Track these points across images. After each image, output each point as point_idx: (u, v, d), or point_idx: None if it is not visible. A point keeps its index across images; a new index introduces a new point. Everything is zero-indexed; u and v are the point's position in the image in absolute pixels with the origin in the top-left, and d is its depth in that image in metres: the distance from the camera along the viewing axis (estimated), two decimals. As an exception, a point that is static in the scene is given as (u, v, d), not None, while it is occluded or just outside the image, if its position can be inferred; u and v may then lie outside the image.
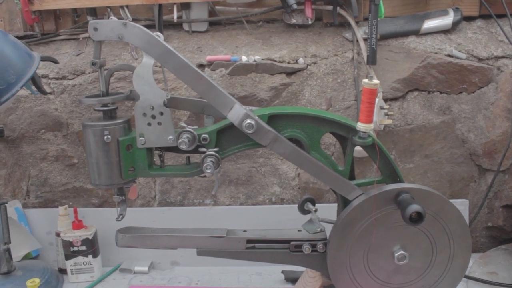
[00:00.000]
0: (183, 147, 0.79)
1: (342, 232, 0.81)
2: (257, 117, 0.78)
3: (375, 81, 0.75)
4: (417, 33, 1.23)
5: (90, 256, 1.17)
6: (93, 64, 0.81)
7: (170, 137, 0.81)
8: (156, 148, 0.85)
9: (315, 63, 1.21)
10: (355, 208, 0.80)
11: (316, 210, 0.91)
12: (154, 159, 0.88)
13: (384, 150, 0.82)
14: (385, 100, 1.20)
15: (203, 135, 0.81)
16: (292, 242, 0.87)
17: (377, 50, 1.18)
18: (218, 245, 0.87)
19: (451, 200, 1.21)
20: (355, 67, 1.20)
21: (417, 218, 0.74)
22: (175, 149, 0.83)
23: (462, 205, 1.23)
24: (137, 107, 0.81)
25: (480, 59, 1.21)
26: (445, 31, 1.24)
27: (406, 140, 1.24)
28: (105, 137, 0.81)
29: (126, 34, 0.77)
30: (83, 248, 1.16)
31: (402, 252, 0.81)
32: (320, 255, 0.86)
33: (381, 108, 1.15)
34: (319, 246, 0.86)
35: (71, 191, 1.30)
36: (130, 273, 1.21)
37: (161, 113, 0.81)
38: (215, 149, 0.81)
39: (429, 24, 1.23)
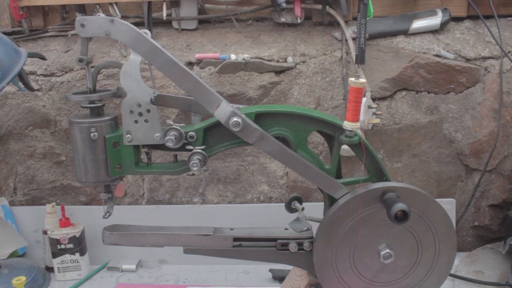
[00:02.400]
0: (169, 144, 0.79)
1: (328, 230, 0.81)
2: (244, 115, 0.77)
3: (362, 80, 0.76)
4: (405, 33, 1.24)
5: (77, 254, 1.16)
6: (80, 60, 0.80)
7: (157, 134, 0.81)
8: (143, 146, 0.85)
9: (304, 62, 1.21)
10: (341, 207, 0.80)
11: (303, 209, 0.91)
12: (142, 157, 0.88)
13: (371, 149, 0.82)
14: (374, 99, 1.21)
15: (190, 133, 0.81)
16: (279, 241, 0.87)
17: (366, 50, 1.19)
18: (204, 243, 0.87)
19: (438, 200, 1.23)
20: (344, 66, 1.21)
21: (403, 217, 0.74)
22: (162, 147, 0.83)
23: (449, 204, 1.24)
24: (124, 104, 0.80)
25: (467, 60, 1.22)
26: (433, 31, 1.25)
27: (394, 139, 1.24)
28: (92, 134, 0.81)
29: (113, 31, 0.77)
30: (70, 246, 1.16)
31: (388, 250, 0.82)
32: (306, 253, 0.86)
33: (369, 107, 1.16)
34: (306, 244, 0.86)
35: (59, 189, 1.30)
36: (118, 271, 1.21)
37: (148, 111, 0.80)
38: (202, 147, 0.81)
39: (418, 24, 1.24)
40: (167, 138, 0.79)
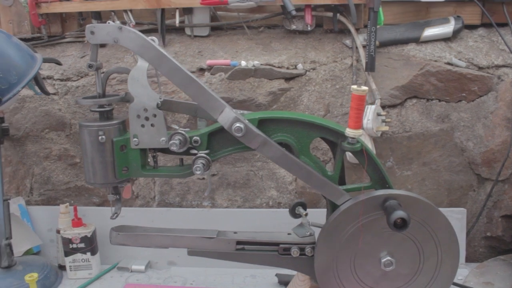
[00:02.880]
0: (174, 148, 0.81)
1: (329, 236, 0.82)
2: (247, 121, 0.79)
3: (364, 87, 0.76)
4: (417, 40, 1.23)
5: (88, 254, 1.19)
6: (90, 66, 0.83)
7: (163, 138, 0.83)
8: (150, 149, 0.87)
9: (314, 69, 1.22)
10: (342, 213, 0.81)
11: (306, 214, 0.92)
12: (149, 160, 0.90)
13: (373, 156, 0.83)
14: (383, 107, 1.21)
15: (195, 137, 0.83)
16: (281, 245, 0.88)
17: (376, 57, 1.19)
18: (208, 245, 0.89)
19: (448, 209, 1.23)
20: (354, 73, 1.21)
21: (402, 224, 0.74)
22: (167, 151, 0.85)
23: (459, 213, 1.22)
24: (131, 109, 0.83)
25: (480, 68, 1.21)
26: (445, 39, 1.25)
27: (404, 147, 1.24)
28: (100, 137, 0.83)
29: (121, 38, 0.79)
30: (82, 245, 1.19)
31: (389, 258, 0.82)
32: (308, 258, 0.87)
33: (379, 115, 1.16)
34: (307, 249, 0.87)
35: (73, 190, 1.33)
36: (127, 272, 1.23)
37: (154, 115, 0.83)
38: (206, 151, 0.83)
39: (430, 32, 1.23)
40: (171, 142, 0.81)
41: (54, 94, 1.27)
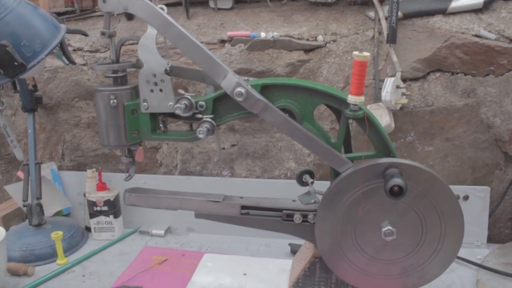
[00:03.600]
0: (178, 112, 0.83)
1: (330, 203, 0.82)
2: (249, 86, 0.80)
3: (366, 53, 0.75)
4: (444, 12, 1.19)
5: (111, 216, 1.26)
6: (102, 34, 0.87)
7: (170, 103, 0.86)
8: (160, 114, 0.90)
9: (334, 41, 1.20)
10: (342, 180, 0.80)
11: (312, 182, 0.92)
12: (161, 125, 0.94)
13: (377, 123, 0.82)
14: (405, 80, 1.18)
15: (200, 102, 0.85)
16: (284, 211, 0.89)
17: (400, 29, 1.16)
18: (214, 209, 0.91)
19: (472, 187, 1.19)
20: (376, 45, 1.19)
21: (398, 192, 0.73)
22: (176, 115, 0.87)
23: (482, 192, 1.19)
24: (141, 75, 0.86)
25: (511, 40, 1.15)
26: (476, 11, 1.19)
27: (426, 122, 1.21)
28: (111, 101, 0.87)
29: (130, 6, 0.82)
30: (105, 208, 1.25)
31: (389, 227, 0.81)
32: (310, 225, 0.88)
33: (398, 87, 1.14)
34: (310, 216, 0.87)
35: (101, 157, 1.40)
36: (148, 236, 1.29)
37: (162, 81, 0.85)
38: (211, 116, 0.85)
39: (458, 3, 1.18)
40: (176, 105, 0.83)
41: (84, 65, 1.33)
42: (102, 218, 1.25)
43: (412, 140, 1.22)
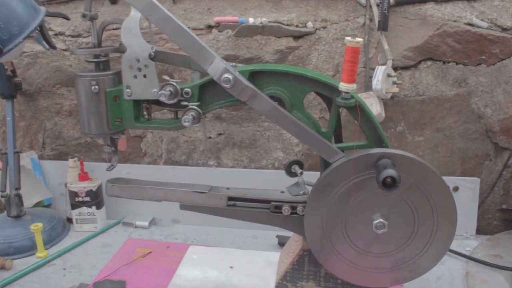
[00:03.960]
0: (163, 99, 0.80)
1: (319, 194, 0.80)
2: (237, 73, 0.77)
3: (358, 39, 0.72)
4: (436, -1, 1.16)
5: (93, 208, 1.22)
6: (84, 16, 0.83)
7: (154, 90, 0.82)
8: (144, 101, 0.86)
9: (324, 27, 1.17)
10: (333, 170, 0.78)
11: (301, 173, 0.90)
12: (145, 113, 0.90)
13: (369, 112, 0.79)
14: (396, 68, 1.15)
15: (186, 89, 0.81)
16: (272, 203, 0.86)
17: (392, 17, 1.13)
18: (200, 200, 0.88)
19: (462, 178, 1.18)
20: (366, 33, 1.16)
21: (391, 184, 0.71)
22: (160, 102, 0.84)
23: (472, 183, 1.17)
24: (124, 60, 0.82)
25: (504, 29, 1.13)
26: (468, -2, 1.17)
27: (416, 111, 1.19)
28: (93, 87, 0.83)
29: (112, -15, 0.78)
30: (88, 199, 1.21)
31: (381, 220, 0.79)
32: (299, 217, 0.85)
33: (389, 76, 1.11)
34: (299, 208, 0.85)
35: (83, 146, 1.35)
36: (131, 227, 1.25)
37: (146, 66, 0.81)
38: (197, 103, 0.81)
39: (451, -10, 1.16)
40: (160, 92, 0.80)
41: (65, 50, 1.28)
42: (84, 209, 1.21)
43: (402, 130, 1.20)
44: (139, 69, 0.82)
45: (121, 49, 0.86)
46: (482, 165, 1.22)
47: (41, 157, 1.36)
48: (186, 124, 0.79)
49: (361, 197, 0.79)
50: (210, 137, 1.27)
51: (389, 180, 0.71)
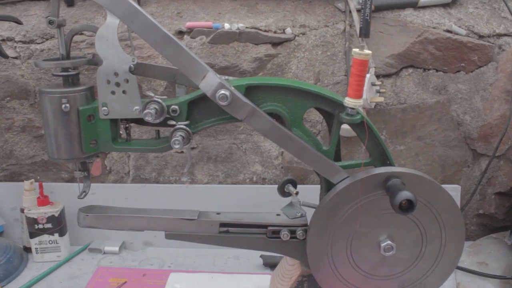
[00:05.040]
0: (148, 119, 0.70)
1: (324, 218, 0.74)
2: (233, 88, 0.69)
3: (367, 51, 0.67)
4: (414, 5, 1.14)
5: (56, 235, 1.09)
6: (50, 22, 0.71)
7: (136, 107, 0.72)
8: (122, 120, 0.76)
9: (303, 33, 1.12)
10: (339, 193, 0.72)
11: (297, 193, 0.83)
12: (121, 132, 0.80)
13: (374, 129, 0.74)
14: (378, 76, 1.12)
15: (173, 107, 0.72)
16: (270, 227, 0.79)
17: (371, 23, 1.10)
18: (188, 228, 0.79)
19: (443, 186, 1.16)
20: (347, 39, 1.11)
21: (408, 207, 0.66)
22: (142, 121, 0.74)
23: (454, 191, 1.16)
24: (100, 73, 0.72)
25: (480, 36, 1.13)
26: (444, 5, 1.16)
27: (398, 120, 1.16)
28: (63, 105, 0.72)
29: (86, -11, 0.67)
30: (49, 225, 1.08)
31: (389, 242, 0.74)
32: (299, 242, 0.79)
33: (373, 84, 1.07)
34: (299, 232, 0.78)
35: (39, 164, 1.22)
36: (100, 253, 1.14)
37: (126, 81, 0.72)
38: (186, 123, 0.73)
39: (428, -4, 1.14)
40: (146, 111, 0.70)
41: (16, 58, 1.14)
42: (45, 237, 1.09)
43: (384, 139, 1.17)
44: (118, 84, 0.72)
45: (95, 61, 0.76)
46: (461, 171, 1.22)
47: (-11, 179, 1.21)
48: (176, 146, 0.71)
49: (368, 219, 0.74)
50: (182, 152, 1.18)
51: (405, 203, 0.66)
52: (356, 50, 0.67)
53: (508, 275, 1.04)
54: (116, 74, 0.71)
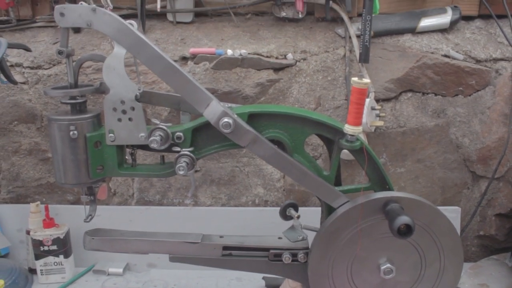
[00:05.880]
0: (154, 145, 0.73)
1: (325, 241, 0.75)
2: (235, 116, 0.71)
3: (366, 80, 0.69)
4: (413, 31, 1.17)
5: (61, 256, 1.11)
6: (60, 53, 0.75)
7: (142, 134, 0.75)
8: (128, 146, 0.79)
9: (304, 59, 1.14)
10: (339, 217, 0.74)
11: (298, 217, 0.85)
12: (126, 157, 0.82)
13: (373, 154, 0.76)
14: (377, 100, 1.14)
15: (178, 133, 0.75)
16: (272, 251, 0.81)
17: (371, 48, 1.12)
18: (192, 251, 0.81)
19: (442, 207, 1.17)
20: (347, 64, 1.14)
21: (406, 231, 0.68)
22: (147, 147, 0.76)
23: (454, 212, 1.18)
24: (107, 101, 0.74)
25: (478, 61, 1.15)
26: (442, 30, 1.19)
27: (397, 143, 1.18)
28: (71, 132, 0.75)
29: (95, 21, 0.70)
30: (54, 247, 1.10)
31: (389, 265, 0.76)
32: (300, 265, 0.80)
33: (373, 108, 1.10)
34: (300, 255, 0.80)
35: (45, 187, 1.24)
36: (104, 275, 1.15)
37: (132, 108, 0.74)
38: (190, 149, 0.75)
39: (426, 22, 1.17)
40: (152, 138, 0.73)
41: (24, 83, 1.17)
42: (50, 258, 1.10)
43: (384, 162, 1.19)
44: (124, 112, 0.75)
45: (102, 89, 0.79)
46: (461, 193, 1.23)
47: (-5, 201, 1.23)
48: (181, 172, 0.73)
49: (367, 242, 0.75)
50: (185, 175, 1.20)
51: (403, 227, 0.68)
52: (355, 79, 0.69)
53: (509, 297, 1.05)
54: (122, 102, 0.74)
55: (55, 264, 1.11)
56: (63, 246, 1.10)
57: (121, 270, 1.15)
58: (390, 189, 0.78)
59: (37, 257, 1.10)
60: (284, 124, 0.75)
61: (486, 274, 1.15)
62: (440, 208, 1.15)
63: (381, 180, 0.78)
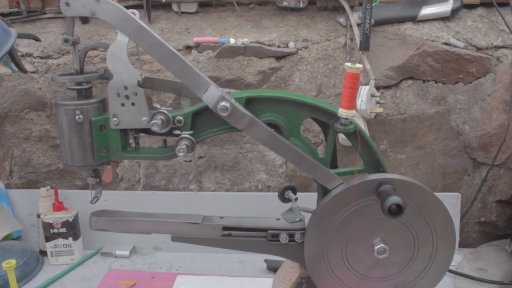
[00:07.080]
0: (155, 128, 0.76)
1: (320, 222, 0.78)
2: (233, 100, 0.74)
3: (358, 65, 0.71)
4: (414, 19, 1.19)
5: (70, 239, 1.15)
6: (66, 41, 0.77)
7: (144, 118, 0.78)
8: (131, 130, 0.82)
9: (306, 47, 1.17)
10: (333, 198, 0.76)
11: (296, 199, 0.87)
12: (130, 141, 0.85)
13: (367, 137, 0.78)
14: (378, 88, 1.16)
15: (178, 117, 0.78)
16: (269, 231, 0.83)
17: (372, 36, 1.14)
18: (192, 231, 0.84)
19: (443, 194, 1.19)
20: (348, 53, 1.16)
21: (397, 211, 0.70)
22: (149, 131, 0.80)
23: (454, 198, 1.19)
24: (111, 87, 0.77)
25: (478, 48, 1.16)
26: (443, 19, 1.20)
27: (398, 130, 1.20)
28: (77, 116, 0.78)
29: (98, 10, 0.73)
30: (63, 230, 1.14)
31: (382, 245, 0.78)
32: (297, 245, 0.83)
33: (373, 96, 1.12)
34: (297, 236, 0.82)
35: (55, 173, 1.28)
36: (111, 257, 1.19)
37: (135, 94, 0.77)
38: (190, 132, 0.78)
39: (427, 10, 1.19)
40: (153, 122, 0.76)
41: (34, 72, 1.21)
42: (60, 241, 1.14)
43: (385, 148, 1.21)
44: (127, 97, 0.78)
45: (106, 76, 0.82)
46: (461, 180, 1.24)
47: (8, 186, 1.28)
48: (181, 154, 0.76)
49: (361, 223, 0.78)
50: (190, 160, 1.24)
51: (394, 207, 0.70)
52: (348, 64, 0.72)
53: (506, 281, 1.06)
54: (125, 87, 0.77)
55: (65, 246, 1.15)
56: (72, 229, 1.15)
57: (127, 253, 1.19)
58: (384, 171, 0.80)
59: (47, 239, 1.15)
60: (280, 108, 0.77)
61: (485, 259, 1.17)
62: (441, 194, 1.19)
63: (375, 163, 0.80)
